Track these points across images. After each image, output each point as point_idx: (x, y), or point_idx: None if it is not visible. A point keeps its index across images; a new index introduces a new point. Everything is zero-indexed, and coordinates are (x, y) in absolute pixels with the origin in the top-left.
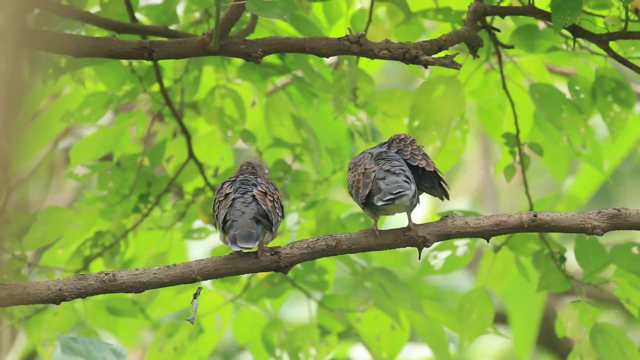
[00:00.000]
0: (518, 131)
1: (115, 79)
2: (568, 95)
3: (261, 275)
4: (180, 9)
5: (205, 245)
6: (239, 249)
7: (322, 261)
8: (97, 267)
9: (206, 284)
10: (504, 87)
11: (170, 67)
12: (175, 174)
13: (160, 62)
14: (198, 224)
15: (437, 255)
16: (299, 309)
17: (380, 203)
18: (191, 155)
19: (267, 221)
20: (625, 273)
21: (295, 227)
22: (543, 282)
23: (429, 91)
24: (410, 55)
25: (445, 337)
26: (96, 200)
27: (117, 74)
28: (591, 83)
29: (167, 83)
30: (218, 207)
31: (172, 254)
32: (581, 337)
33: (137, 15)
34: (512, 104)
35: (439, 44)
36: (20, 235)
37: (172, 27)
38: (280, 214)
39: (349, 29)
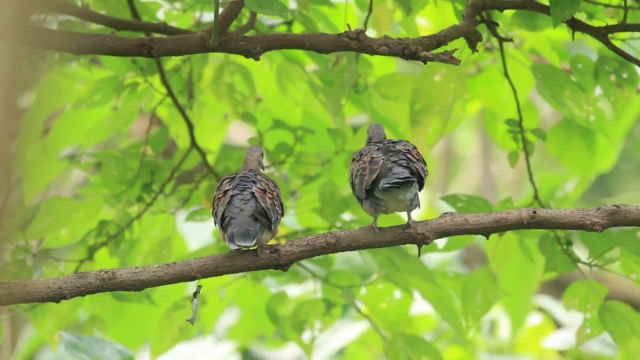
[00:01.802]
0: (521, 118)
1: (121, 63)
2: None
3: None
4: None
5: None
6: (236, 247)
7: None
8: (102, 256)
9: None
10: (506, 74)
11: None
12: (179, 163)
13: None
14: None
15: None
16: (303, 286)
17: (386, 185)
18: (194, 144)
19: (265, 219)
20: (630, 254)
21: (293, 204)
22: (549, 265)
23: (430, 74)
24: (409, 51)
25: (453, 304)
26: (99, 187)
27: (123, 60)
28: (594, 62)
29: (174, 63)
30: (217, 203)
31: (175, 240)
32: (588, 312)
33: None
34: (515, 91)
35: (438, 40)
36: (24, 227)
37: (177, 5)
38: (279, 212)
39: (347, 24)
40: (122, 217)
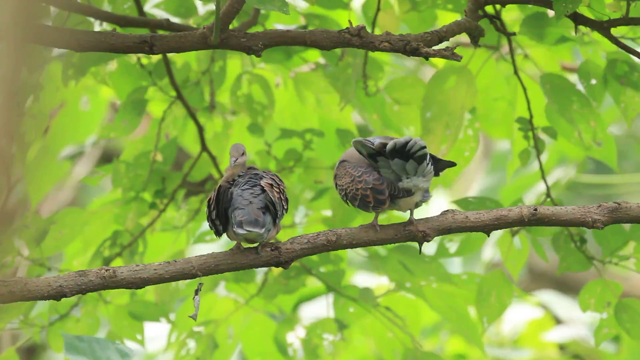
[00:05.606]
0: (531, 116)
1: (127, 84)
2: (578, 86)
3: (276, 270)
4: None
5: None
6: (244, 232)
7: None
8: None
9: (219, 289)
10: (516, 72)
11: (193, 59)
12: (189, 168)
13: (174, 56)
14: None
15: (453, 237)
16: (315, 309)
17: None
18: (204, 147)
19: (273, 210)
20: None
21: (303, 219)
22: (563, 264)
23: (440, 82)
24: (410, 47)
25: (467, 313)
26: (111, 198)
27: (129, 77)
28: (602, 69)
29: (193, 77)
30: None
31: (188, 253)
32: (604, 311)
33: (154, 10)
34: (525, 89)
35: (440, 36)
36: (39, 240)
37: (190, 19)
38: (285, 207)
39: (349, 21)
40: (135, 225)
